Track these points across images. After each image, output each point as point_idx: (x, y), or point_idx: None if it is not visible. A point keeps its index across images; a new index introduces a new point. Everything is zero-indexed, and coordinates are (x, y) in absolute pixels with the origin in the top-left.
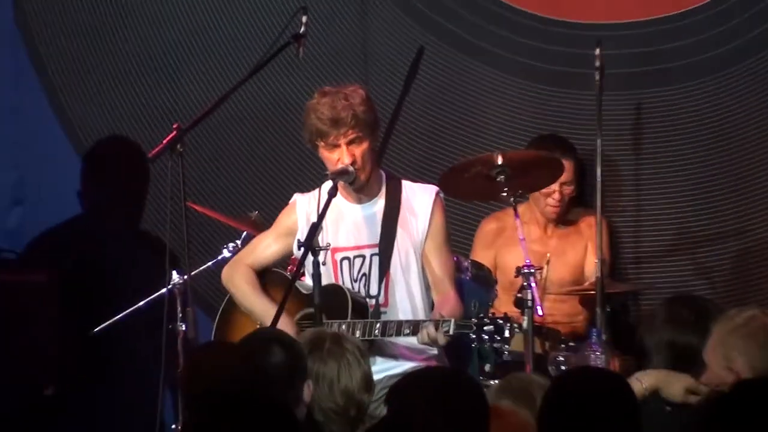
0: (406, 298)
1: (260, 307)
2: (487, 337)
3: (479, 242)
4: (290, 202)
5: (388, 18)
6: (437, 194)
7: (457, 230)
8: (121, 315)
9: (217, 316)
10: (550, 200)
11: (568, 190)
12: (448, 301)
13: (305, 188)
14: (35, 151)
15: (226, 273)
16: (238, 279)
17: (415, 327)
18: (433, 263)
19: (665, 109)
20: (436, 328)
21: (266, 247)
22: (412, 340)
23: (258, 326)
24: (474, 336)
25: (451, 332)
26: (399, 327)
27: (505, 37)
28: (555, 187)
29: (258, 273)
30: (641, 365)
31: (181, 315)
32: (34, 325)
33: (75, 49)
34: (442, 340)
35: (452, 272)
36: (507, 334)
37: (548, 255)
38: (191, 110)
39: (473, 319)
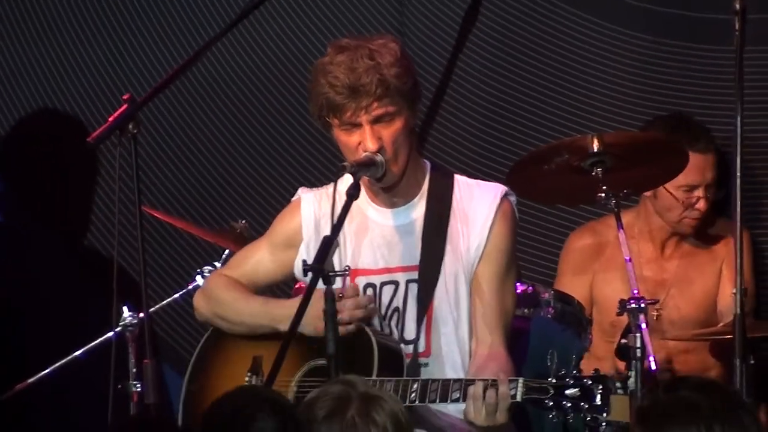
0: (453, 344)
1: (260, 309)
2: (570, 404)
3: (567, 265)
4: (293, 200)
5: None
6: (504, 196)
7: (533, 247)
8: (48, 370)
9: (188, 371)
10: (692, 212)
11: (713, 194)
12: (498, 360)
13: (314, 184)
14: None
15: (199, 297)
16: (217, 288)
17: (467, 389)
18: (485, 299)
19: None
20: (497, 391)
21: (258, 262)
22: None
23: (246, 380)
24: (551, 403)
25: (518, 398)
26: (445, 389)
27: None
28: (699, 191)
29: None
30: None
31: (135, 370)
32: None
33: None
34: (503, 416)
35: (509, 318)
36: (598, 400)
37: (671, 286)
38: (148, 78)
39: (551, 379)
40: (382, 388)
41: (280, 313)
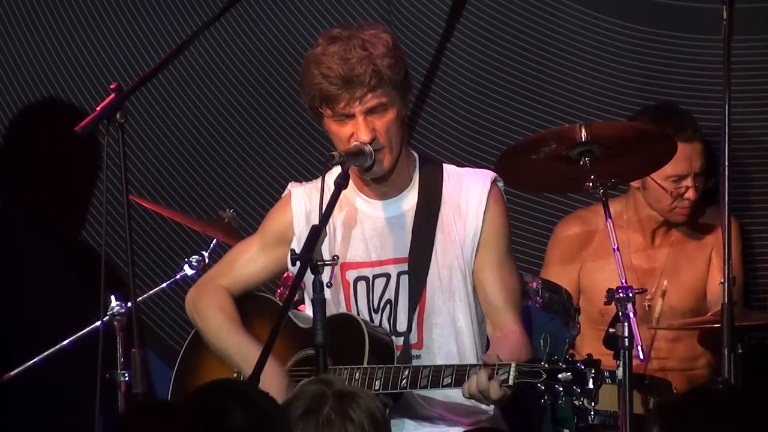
0: (449, 335)
1: (237, 348)
2: (562, 389)
3: (555, 254)
4: (283, 194)
5: None
6: (494, 183)
7: (521, 236)
8: (35, 359)
9: (178, 362)
10: (682, 201)
11: (702, 183)
12: (508, 339)
13: (304, 177)
14: None
15: (191, 298)
16: (208, 306)
17: (459, 375)
18: (489, 284)
19: None
20: (490, 376)
21: (248, 261)
22: (456, 394)
23: (234, 375)
24: (543, 387)
25: (510, 381)
26: (437, 375)
27: None
28: (688, 181)
29: (237, 298)
30: None
31: (123, 359)
32: None
33: None
34: (496, 392)
35: (517, 297)
36: (591, 384)
37: (661, 275)
38: (136, 67)
39: (543, 363)
40: (373, 375)
41: (252, 360)
